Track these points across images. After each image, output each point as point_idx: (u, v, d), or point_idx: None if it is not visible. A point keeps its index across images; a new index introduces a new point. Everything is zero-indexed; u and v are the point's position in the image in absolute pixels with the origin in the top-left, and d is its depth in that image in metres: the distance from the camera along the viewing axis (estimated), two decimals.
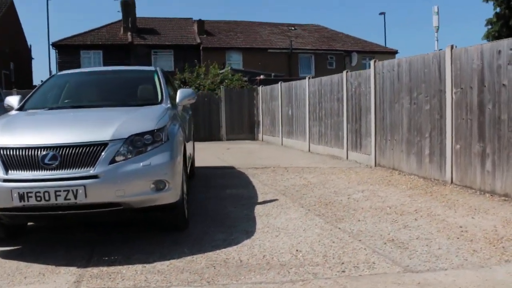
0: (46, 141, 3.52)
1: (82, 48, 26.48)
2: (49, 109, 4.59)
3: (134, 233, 4.24)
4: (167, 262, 3.44)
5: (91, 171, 3.45)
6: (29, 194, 3.37)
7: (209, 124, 15.66)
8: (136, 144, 3.64)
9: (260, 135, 15.18)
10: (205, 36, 27.94)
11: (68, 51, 26.18)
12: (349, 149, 8.64)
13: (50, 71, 29.96)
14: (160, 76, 5.13)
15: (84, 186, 3.40)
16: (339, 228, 4.14)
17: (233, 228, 4.28)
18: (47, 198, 3.38)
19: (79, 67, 26.62)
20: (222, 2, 73.72)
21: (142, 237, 4.13)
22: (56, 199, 3.39)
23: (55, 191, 3.37)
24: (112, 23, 28.65)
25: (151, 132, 3.73)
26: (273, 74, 19.36)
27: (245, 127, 15.77)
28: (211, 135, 15.53)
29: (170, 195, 3.72)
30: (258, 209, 4.98)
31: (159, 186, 3.63)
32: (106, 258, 3.59)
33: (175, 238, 4.01)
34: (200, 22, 28.41)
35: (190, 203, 5.19)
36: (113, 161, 3.52)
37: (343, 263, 3.27)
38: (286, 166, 8.27)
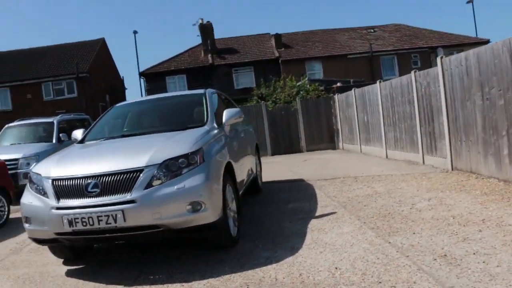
0: (89, 171, 3.81)
1: (167, 74, 28.20)
2: (104, 140, 4.93)
3: (181, 253, 4.35)
4: (204, 281, 3.50)
5: (128, 196, 3.64)
6: (76, 220, 3.66)
7: (288, 136, 15.67)
8: (171, 168, 3.77)
9: (340, 144, 14.80)
10: (283, 49, 28.18)
11: (154, 78, 28.07)
12: (425, 153, 8.04)
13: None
14: (207, 98, 5.25)
15: (123, 210, 3.60)
16: (389, 243, 3.85)
17: (280, 245, 4.20)
18: (91, 223, 3.64)
19: (165, 91, 28.52)
20: (297, 13, 73.96)
21: (191, 256, 4.22)
22: (99, 224, 3.63)
23: (97, 216, 3.62)
24: (193, 48, 30.20)
25: (185, 156, 3.84)
26: (351, 80, 18.81)
27: (325, 137, 15.50)
28: (291, 148, 15.53)
29: (208, 215, 3.76)
30: (313, 224, 4.84)
31: (196, 207, 3.71)
32: (151, 277, 3.74)
33: (221, 257, 4.04)
34: (277, 36, 28.74)
35: (248, 220, 5.25)
36: (149, 185, 3.67)
37: (380, 282, 3.03)
38: (357, 175, 7.94)
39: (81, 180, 3.77)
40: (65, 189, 3.82)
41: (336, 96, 14.78)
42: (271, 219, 5.29)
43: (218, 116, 5.06)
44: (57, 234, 3.80)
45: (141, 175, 3.70)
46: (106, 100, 29.59)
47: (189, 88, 28.93)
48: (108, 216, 3.61)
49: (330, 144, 15.36)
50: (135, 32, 31.95)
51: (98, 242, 4.21)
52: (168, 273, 3.77)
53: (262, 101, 16.49)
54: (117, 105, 5.86)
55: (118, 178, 3.72)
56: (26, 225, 4.03)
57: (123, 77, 36.36)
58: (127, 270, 4.02)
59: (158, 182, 3.70)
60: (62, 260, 4.56)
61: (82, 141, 5.09)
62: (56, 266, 4.44)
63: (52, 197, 3.84)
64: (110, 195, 3.69)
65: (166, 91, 28.37)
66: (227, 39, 31.03)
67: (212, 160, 4.01)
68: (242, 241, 4.47)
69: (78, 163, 4.06)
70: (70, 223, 3.68)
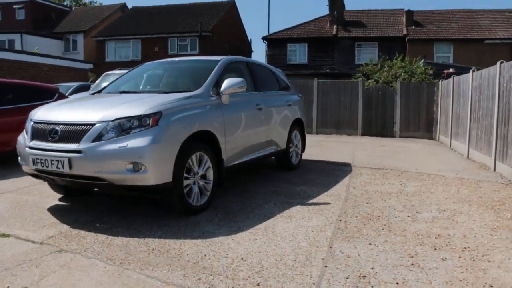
0: (56, 119, 4.04)
1: (289, 42, 28.02)
2: (106, 94, 5.10)
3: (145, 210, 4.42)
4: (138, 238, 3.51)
5: (75, 147, 3.77)
6: (37, 160, 3.94)
7: (382, 119, 14.57)
8: (122, 127, 3.79)
9: (437, 135, 13.30)
10: (413, 27, 25.83)
11: (276, 44, 28.14)
12: (497, 159, 6.78)
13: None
14: (218, 66, 5.07)
15: (69, 159, 3.76)
16: (331, 247, 3.38)
17: (230, 224, 4.00)
18: (46, 165, 3.89)
19: (285, 59, 28.49)
20: None
21: (148, 214, 4.27)
22: (51, 167, 3.85)
23: (51, 160, 3.84)
24: (320, 17, 29.40)
25: (137, 117, 3.82)
26: (474, 68, 16.51)
27: (422, 125, 14.05)
28: (383, 131, 14.47)
29: (148, 178, 3.73)
30: (291, 211, 4.46)
31: (136, 167, 3.70)
32: (104, 226, 3.92)
33: (166, 221, 4.02)
34: (409, 13, 26.38)
35: (237, 193, 5.17)
36: (96, 139, 3.74)
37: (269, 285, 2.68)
38: (409, 170, 7.07)
39: (48, 125, 4.04)
40: (37, 131, 4.13)
41: (440, 83, 13.18)
42: (263, 198, 5.02)
43: (219, 85, 4.87)
44: (34, 170, 4.14)
45: (91, 128, 3.80)
46: None
47: (309, 58, 28.54)
48: (58, 161, 3.81)
49: (427, 134, 13.89)
50: None
51: (56, 182, 4.37)
52: (124, 226, 3.93)
53: (360, 79, 15.49)
54: (146, 63, 6.00)
55: (73, 128, 3.88)
56: (19, 159, 4.46)
57: (250, 39, 37.13)
58: (90, 214, 4.24)
59: (106, 138, 3.75)
60: (60, 196, 5.00)
61: (99, 91, 5.35)
62: (52, 199, 4.89)
63: (29, 137, 4.18)
64: (64, 143, 3.86)
65: (286, 58, 28.47)
66: (357, 11, 29.53)
67: (168, 126, 3.89)
68: (208, 211, 4.37)
69: (57, 111, 4.27)
70: (34, 162, 3.99)
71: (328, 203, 4.77)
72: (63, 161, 3.77)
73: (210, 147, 4.51)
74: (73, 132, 3.85)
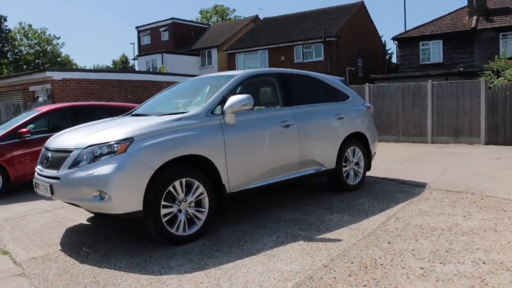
0: (52, 145, 4.29)
1: (421, 39, 25.71)
2: (126, 116, 5.16)
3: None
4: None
5: (56, 173, 3.90)
6: (36, 184, 4.20)
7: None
8: (94, 153, 3.79)
9: None
10: None
11: (407, 43, 26.08)
12: None
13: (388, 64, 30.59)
14: (229, 83, 4.74)
15: (50, 185, 3.90)
16: None
17: (198, 261, 3.67)
18: (39, 189, 4.10)
19: (418, 58, 26.19)
20: None
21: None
22: (42, 191, 4.07)
23: (41, 185, 4.05)
24: (458, 10, 26.34)
25: (107, 144, 3.77)
26: None
27: None
28: None
29: (113, 206, 3.67)
30: (278, 248, 3.92)
31: (102, 195, 3.66)
32: (87, 250, 4.03)
33: (140, 244, 3.89)
34: None
35: (250, 219, 4.76)
36: (72, 166, 3.81)
37: None
38: (498, 195, 5.67)
39: (46, 151, 4.33)
40: (41, 157, 4.46)
41: None
42: (275, 227, 4.52)
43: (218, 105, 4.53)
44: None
45: (69, 155, 3.88)
46: (357, 64, 29.65)
47: (444, 56, 25.71)
48: (44, 186, 4.00)
49: None
50: None
51: None
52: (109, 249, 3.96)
53: (483, 78, 13.25)
54: (179, 82, 5.98)
55: (57, 155, 4.05)
56: None
57: (384, 41, 35.12)
58: (99, 236, 4.40)
59: (81, 165, 3.78)
60: (91, 215, 5.26)
61: (130, 113, 5.48)
62: (83, 218, 5.21)
63: (39, 162, 4.49)
64: (50, 169, 4.05)
65: (418, 57, 26.18)
66: None
67: (138, 152, 3.73)
68: (199, 240, 4.11)
69: (59, 137, 4.51)
70: (35, 186, 4.26)
71: (338, 240, 4.06)
72: (47, 187, 3.95)
73: (206, 172, 4.24)
74: (56, 159, 4.01)
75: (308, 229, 4.45)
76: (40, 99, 13.26)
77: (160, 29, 37.74)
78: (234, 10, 64.16)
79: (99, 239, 4.32)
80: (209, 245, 4.02)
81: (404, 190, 6.22)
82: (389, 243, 3.95)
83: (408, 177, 7.16)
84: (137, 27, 39.73)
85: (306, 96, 5.72)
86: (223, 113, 4.45)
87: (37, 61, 51.99)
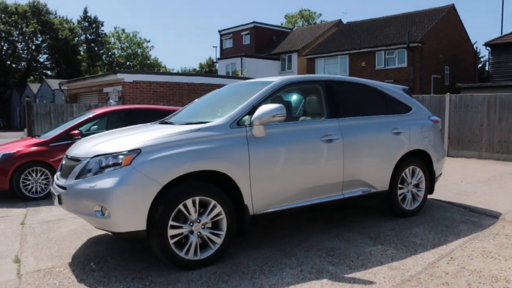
0: (69, 152, 4.12)
1: None
2: (155, 123, 4.84)
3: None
4: None
5: (64, 183, 3.70)
6: (52, 193, 4.03)
7: None
8: (100, 164, 3.53)
9: None
10: None
11: (502, 49, 23.58)
12: None
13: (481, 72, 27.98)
14: (262, 92, 4.26)
15: (59, 195, 3.71)
16: None
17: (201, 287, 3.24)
18: (53, 198, 3.93)
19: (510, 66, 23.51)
20: None
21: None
22: (54, 200, 3.88)
23: (55, 194, 3.87)
24: None
25: (114, 154, 3.48)
26: None
27: None
28: None
29: (113, 224, 3.37)
30: (296, 286, 3.37)
31: (104, 211, 3.39)
32: (94, 266, 3.81)
33: (151, 272, 3.56)
34: None
35: (278, 245, 4.27)
36: (78, 177, 3.58)
37: None
38: None
39: (64, 158, 4.14)
40: (60, 163, 4.25)
41: None
42: (304, 256, 3.96)
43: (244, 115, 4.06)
44: None
45: (78, 164, 3.65)
46: (444, 72, 27.52)
47: None
48: (55, 196, 3.81)
49: None
50: None
51: None
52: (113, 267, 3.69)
53: None
54: (215, 90, 5.60)
55: (69, 163, 3.85)
56: None
57: (477, 48, 32.32)
58: (111, 251, 4.16)
59: (87, 175, 3.53)
60: None
61: (163, 121, 5.20)
62: None
63: (58, 169, 4.32)
64: (62, 178, 3.85)
65: None
66: None
67: (143, 165, 3.39)
68: (212, 266, 3.68)
69: (76, 144, 4.30)
70: (52, 195, 4.11)
71: (369, 283, 3.39)
72: (55, 197, 3.77)
73: (225, 190, 3.81)
74: (68, 167, 3.81)
75: (340, 263, 3.82)
76: (111, 100, 13.77)
77: (242, 33, 38.17)
78: (321, 15, 63.32)
79: (112, 253, 4.08)
80: (220, 273, 3.57)
81: (470, 220, 5.28)
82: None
83: (480, 204, 6.14)
84: (219, 31, 40.55)
85: (357, 107, 5.06)
86: (251, 124, 3.98)
87: (128, 63, 55.46)
